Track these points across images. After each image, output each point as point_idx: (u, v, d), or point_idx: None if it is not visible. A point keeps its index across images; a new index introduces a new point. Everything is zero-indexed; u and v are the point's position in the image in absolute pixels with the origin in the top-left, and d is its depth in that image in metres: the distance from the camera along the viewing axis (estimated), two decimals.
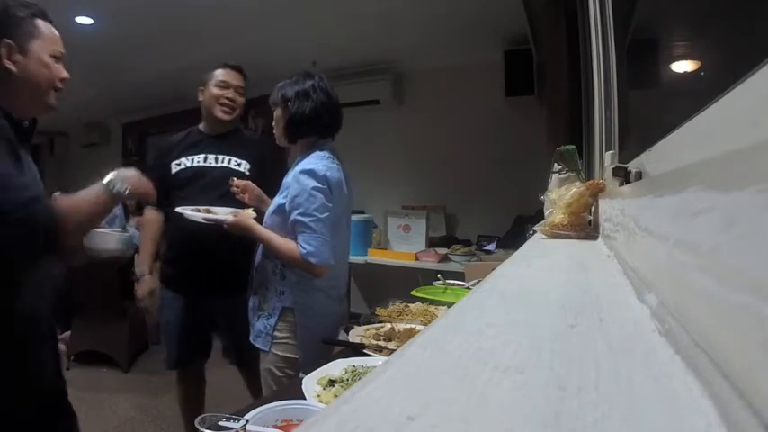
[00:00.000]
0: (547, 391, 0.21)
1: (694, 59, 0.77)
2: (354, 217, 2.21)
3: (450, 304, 1.39)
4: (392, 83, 3.64)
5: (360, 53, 3.44)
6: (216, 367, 1.89)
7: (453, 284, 1.85)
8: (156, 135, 5.32)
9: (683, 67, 0.85)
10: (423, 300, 1.55)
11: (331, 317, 1.39)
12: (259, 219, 1.37)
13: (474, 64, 3.33)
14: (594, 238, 0.94)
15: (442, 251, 2.98)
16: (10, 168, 0.86)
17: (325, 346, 1.26)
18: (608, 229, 0.78)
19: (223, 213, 1.41)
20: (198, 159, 1.66)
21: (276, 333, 1.31)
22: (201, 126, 1.74)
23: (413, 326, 1.22)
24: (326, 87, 1.36)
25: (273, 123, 1.40)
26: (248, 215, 1.36)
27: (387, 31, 3.04)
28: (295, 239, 1.25)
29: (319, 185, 1.25)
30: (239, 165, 1.66)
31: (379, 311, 1.39)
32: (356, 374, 0.91)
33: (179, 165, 1.66)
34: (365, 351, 1.07)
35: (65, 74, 1.05)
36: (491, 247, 3.11)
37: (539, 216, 1.18)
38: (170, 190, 1.63)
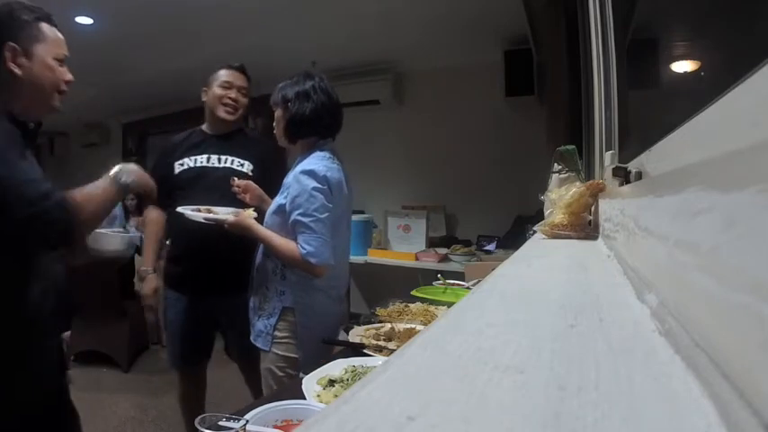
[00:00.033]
0: (547, 391, 0.21)
1: (694, 59, 0.77)
2: (354, 217, 2.21)
3: (450, 304, 1.39)
4: (392, 83, 3.64)
5: (360, 53, 3.44)
6: (216, 367, 1.89)
7: (453, 284, 1.85)
8: (156, 135, 5.32)
9: (682, 67, 0.85)
10: (423, 300, 1.55)
11: (331, 317, 1.39)
12: (260, 218, 1.37)
13: (474, 64, 3.33)
14: (594, 238, 0.94)
15: (442, 251, 2.98)
16: (25, 165, 0.90)
17: (326, 346, 1.26)
18: (608, 229, 0.78)
19: (224, 213, 1.41)
20: (201, 160, 1.66)
21: (276, 333, 1.31)
22: (204, 126, 1.74)
23: (413, 326, 1.22)
24: (327, 88, 1.36)
25: (274, 124, 1.40)
26: (249, 215, 1.36)
27: (387, 31, 3.04)
28: (295, 239, 1.25)
29: (319, 186, 1.25)
30: (242, 165, 1.66)
31: (379, 311, 1.39)
32: (356, 374, 0.91)
33: (182, 165, 1.66)
34: (365, 351, 1.07)
35: (69, 76, 1.07)
36: (491, 247, 3.11)
37: (539, 216, 1.18)
38: (173, 190, 1.63)
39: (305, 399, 0.82)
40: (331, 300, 1.38)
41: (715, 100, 0.30)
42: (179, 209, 1.46)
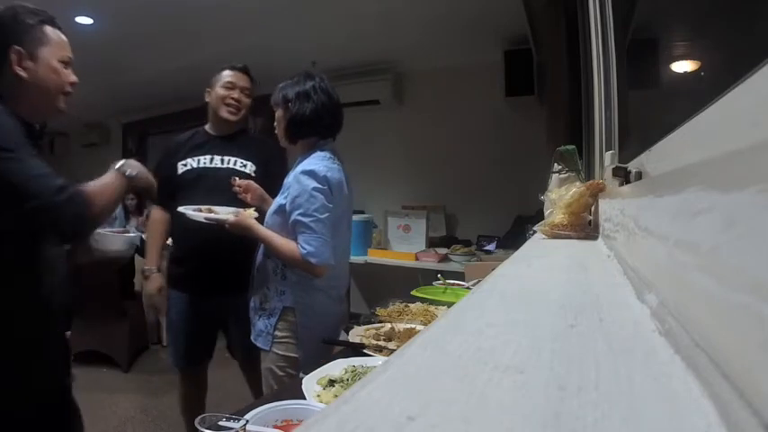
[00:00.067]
0: (547, 391, 0.21)
1: (694, 59, 0.77)
2: (354, 217, 2.21)
3: (450, 304, 1.39)
4: (392, 83, 3.64)
5: (360, 53, 3.44)
6: (217, 367, 1.89)
7: (453, 284, 1.85)
8: (156, 135, 5.33)
9: (682, 67, 0.85)
10: (423, 300, 1.55)
11: (331, 317, 1.39)
12: (261, 218, 1.37)
13: (474, 64, 3.33)
14: (594, 238, 0.94)
15: (442, 251, 2.98)
16: (37, 160, 0.92)
17: (326, 346, 1.26)
18: (608, 229, 0.78)
19: (224, 213, 1.41)
20: (204, 160, 1.67)
21: (277, 332, 1.31)
22: (208, 127, 1.74)
23: (413, 326, 1.22)
24: (327, 88, 1.36)
25: (275, 124, 1.40)
26: (249, 215, 1.36)
27: (387, 31, 3.04)
28: (295, 240, 1.25)
29: (320, 186, 1.25)
30: (245, 166, 1.67)
31: (379, 311, 1.39)
32: (356, 374, 0.91)
33: (185, 165, 1.67)
34: (365, 351, 1.07)
35: (74, 78, 1.09)
36: (491, 247, 3.11)
37: (539, 216, 1.18)
38: (176, 190, 1.63)
39: (305, 399, 0.82)
40: (331, 300, 1.38)
41: (715, 100, 0.30)
42: (180, 209, 1.47)
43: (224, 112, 1.66)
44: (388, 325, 1.22)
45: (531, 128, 2.86)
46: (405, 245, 3.04)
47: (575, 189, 1.00)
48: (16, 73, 0.98)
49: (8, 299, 0.95)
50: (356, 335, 1.18)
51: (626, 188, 0.66)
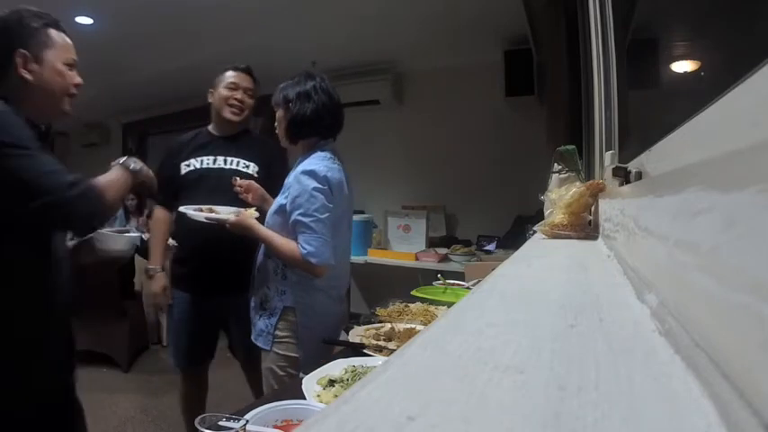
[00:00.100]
0: (547, 391, 0.21)
1: (694, 59, 0.77)
2: (354, 217, 2.21)
3: (450, 304, 1.39)
4: (392, 83, 3.64)
5: (360, 53, 3.43)
6: (217, 367, 1.89)
7: (453, 284, 1.85)
8: (156, 135, 5.33)
9: (682, 67, 0.85)
10: (423, 300, 1.55)
11: (331, 317, 1.39)
12: (262, 218, 1.37)
13: (474, 64, 3.32)
14: (594, 238, 0.94)
15: (442, 251, 2.98)
16: (48, 156, 0.94)
17: (326, 346, 1.26)
18: (608, 229, 0.78)
19: (225, 213, 1.42)
20: (207, 161, 1.67)
21: (277, 332, 1.31)
22: (211, 127, 1.75)
23: (413, 326, 1.22)
24: (328, 88, 1.36)
25: (276, 124, 1.40)
26: (250, 215, 1.36)
27: (387, 31, 3.04)
28: (296, 240, 1.25)
29: (320, 186, 1.25)
30: (247, 167, 1.67)
31: (379, 311, 1.39)
32: (356, 374, 0.91)
33: (188, 165, 1.67)
34: (365, 351, 1.07)
35: (78, 80, 1.10)
36: (491, 247, 3.11)
37: (539, 216, 1.18)
38: (179, 190, 1.64)
39: (305, 399, 0.82)
40: (331, 300, 1.38)
41: (715, 100, 0.30)
42: (181, 208, 1.47)
43: (227, 113, 1.66)
44: (388, 325, 1.22)
45: (531, 128, 2.85)
46: (405, 245, 3.04)
47: (575, 189, 0.99)
48: (22, 76, 1.00)
49: (13, 297, 0.96)
50: (356, 335, 1.18)
51: (626, 188, 0.66)
